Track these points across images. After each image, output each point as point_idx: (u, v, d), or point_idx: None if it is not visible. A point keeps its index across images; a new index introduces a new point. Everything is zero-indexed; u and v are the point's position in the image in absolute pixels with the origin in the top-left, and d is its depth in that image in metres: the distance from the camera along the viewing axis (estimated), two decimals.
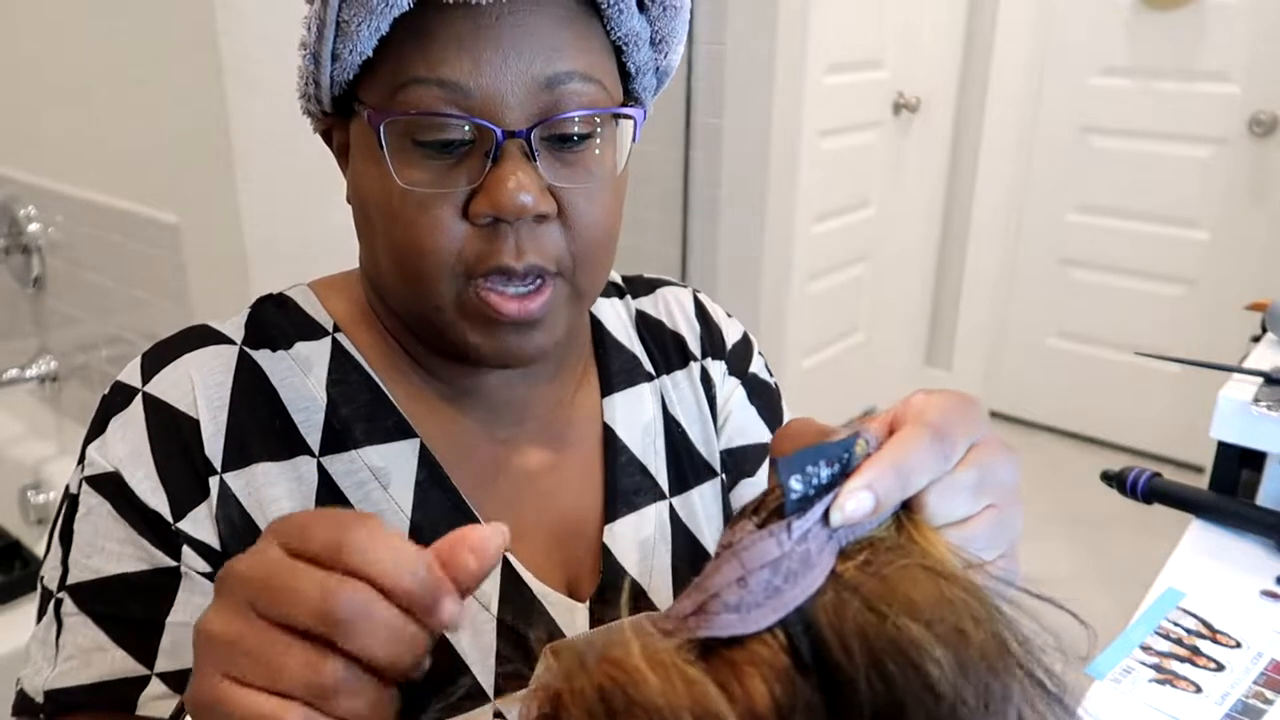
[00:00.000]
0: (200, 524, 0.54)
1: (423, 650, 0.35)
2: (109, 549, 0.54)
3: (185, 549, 0.54)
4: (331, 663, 0.33)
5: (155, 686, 0.53)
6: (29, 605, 1.40)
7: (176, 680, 0.53)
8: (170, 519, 0.54)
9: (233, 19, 1.32)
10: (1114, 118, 2.79)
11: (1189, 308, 2.79)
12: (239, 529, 0.55)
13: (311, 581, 0.33)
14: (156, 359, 0.58)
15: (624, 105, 0.56)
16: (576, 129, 0.53)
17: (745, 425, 0.73)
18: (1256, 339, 1.18)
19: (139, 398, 0.56)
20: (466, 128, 0.51)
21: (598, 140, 0.54)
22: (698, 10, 2.37)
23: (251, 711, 0.33)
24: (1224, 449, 1.07)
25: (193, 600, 0.54)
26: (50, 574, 0.56)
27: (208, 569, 0.55)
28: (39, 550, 1.72)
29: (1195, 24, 2.60)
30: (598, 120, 0.54)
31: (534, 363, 0.56)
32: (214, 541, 0.55)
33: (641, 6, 0.55)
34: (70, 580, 0.54)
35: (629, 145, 0.56)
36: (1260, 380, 1.02)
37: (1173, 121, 2.69)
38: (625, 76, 0.58)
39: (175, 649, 0.53)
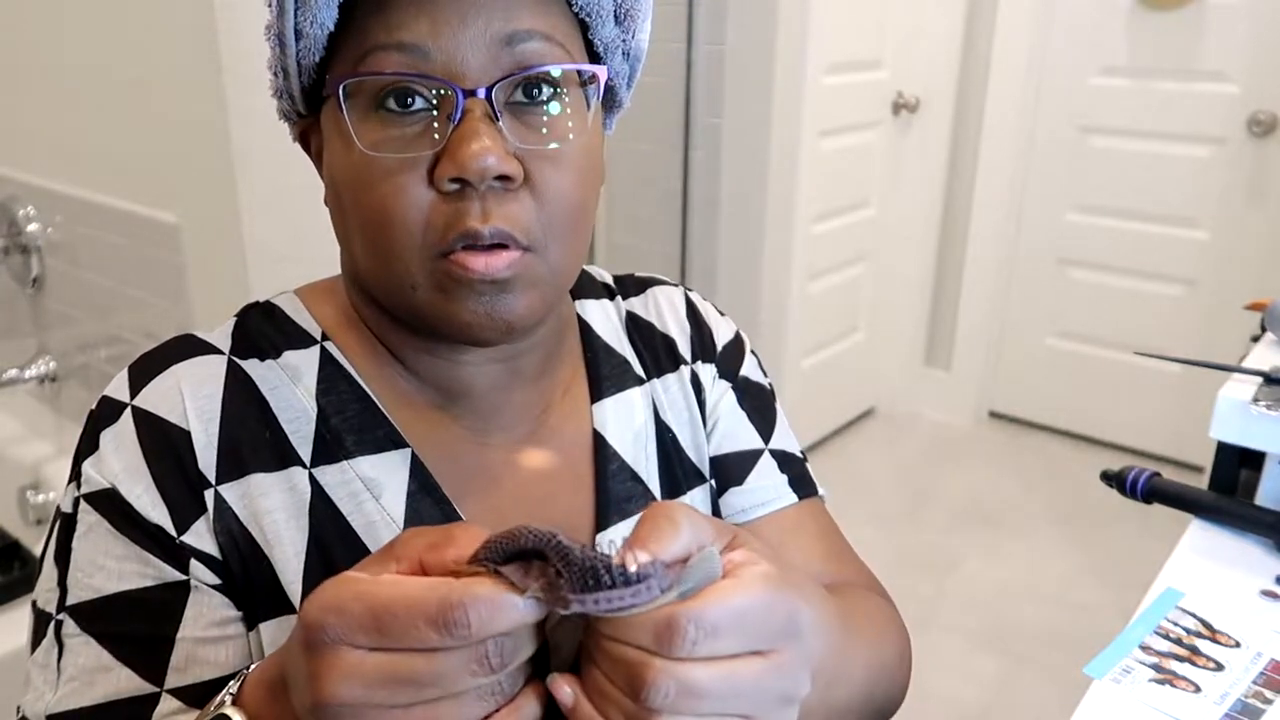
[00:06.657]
0: (202, 537, 0.54)
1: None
2: (110, 567, 0.53)
3: (193, 562, 0.53)
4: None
5: (168, 703, 0.52)
6: (28, 605, 1.39)
7: (189, 695, 0.53)
8: (174, 533, 0.53)
9: (233, 19, 1.32)
10: (1113, 118, 2.79)
11: (1188, 308, 2.79)
12: (237, 541, 0.54)
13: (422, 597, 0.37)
14: (143, 371, 0.57)
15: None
16: (540, 87, 0.52)
17: (734, 431, 0.72)
18: (1256, 339, 1.18)
19: (128, 411, 0.55)
20: (429, 90, 0.50)
21: (563, 102, 0.53)
22: (697, 10, 2.38)
23: None
24: (1223, 449, 1.06)
25: (204, 613, 0.53)
26: (46, 596, 0.55)
27: (217, 581, 0.54)
28: (38, 551, 1.71)
29: (1195, 24, 2.60)
30: (561, 82, 0.53)
31: (514, 333, 0.54)
32: (216, 554, 0.54)
33: None
34: (70, 601, 0.53)
35: (597, 113, 0.56)
36: (1260, 380, 1.02)
37: (1172, 121, 2.69)
38: (595, 58, 0.58)
39: (187, 664, 0.53)
